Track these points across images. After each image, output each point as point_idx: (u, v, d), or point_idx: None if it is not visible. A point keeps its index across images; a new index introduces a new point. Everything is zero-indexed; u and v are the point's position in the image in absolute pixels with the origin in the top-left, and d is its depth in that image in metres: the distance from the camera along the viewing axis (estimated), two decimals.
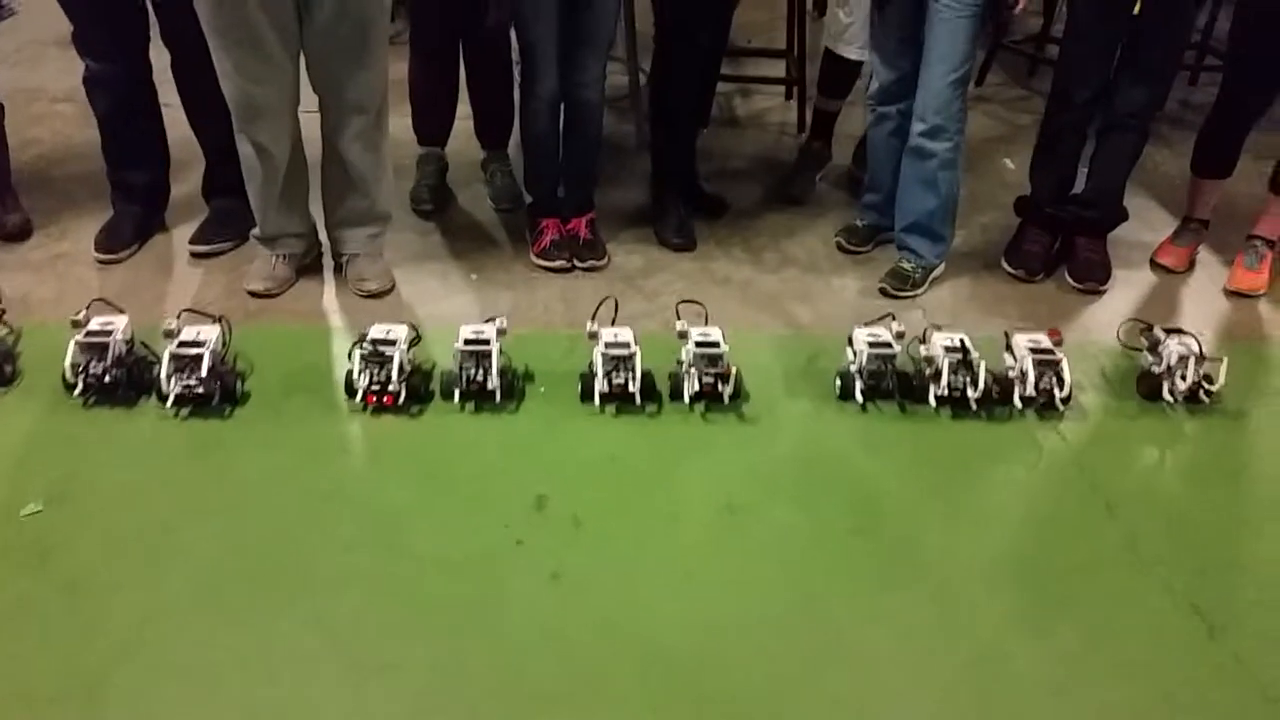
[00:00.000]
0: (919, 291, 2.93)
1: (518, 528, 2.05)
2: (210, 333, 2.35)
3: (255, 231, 2.83)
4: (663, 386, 2.44)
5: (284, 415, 2.36)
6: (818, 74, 3.52)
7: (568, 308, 2.81)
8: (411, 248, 3.06)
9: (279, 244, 2.82)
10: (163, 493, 2.12)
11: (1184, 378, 2.43)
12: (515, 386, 2.42)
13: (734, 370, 2.38)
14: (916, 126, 2.83)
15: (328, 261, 2.94)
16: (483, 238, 3.17)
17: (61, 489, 2.10)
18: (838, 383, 2.46)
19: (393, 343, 2.36)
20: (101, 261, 2.90)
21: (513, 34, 3.24)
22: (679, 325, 2.43)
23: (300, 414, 2.36)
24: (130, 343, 2.40)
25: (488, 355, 2.34)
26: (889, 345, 2.43)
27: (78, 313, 2.35)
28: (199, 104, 2.85)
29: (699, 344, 2.40)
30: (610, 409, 2.39)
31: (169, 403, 2.28)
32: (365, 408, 2.35)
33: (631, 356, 2.39)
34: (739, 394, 2.42)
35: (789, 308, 2.87)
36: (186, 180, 3.10)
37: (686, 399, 2.39)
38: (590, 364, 2.43)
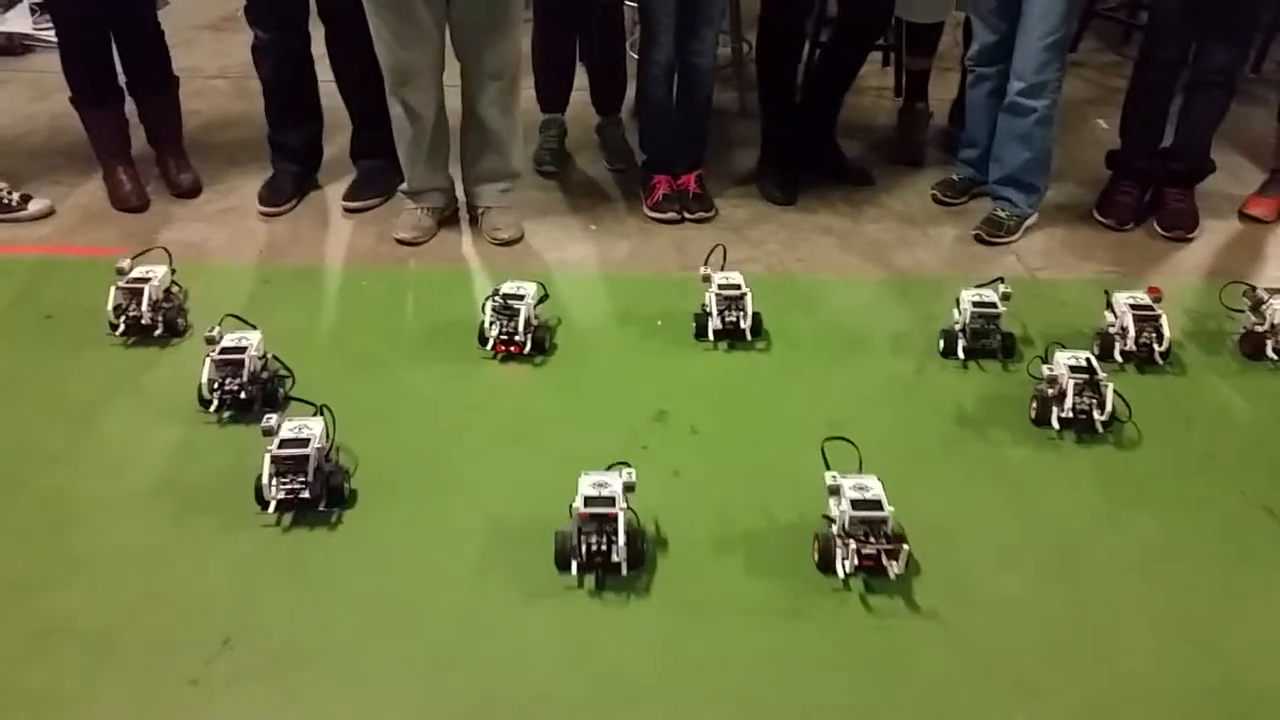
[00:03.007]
0: (1013, 238, 3.08)
1: (643, 435, 2.29)
2: (315, 426, 2.07)
3: (403, 186, 3.12)
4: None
5: (432, 347, 2.59)
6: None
7: (679, 253, 3.04)
8: (536, 203, 3.33)
9: (424, 197, 3.12)
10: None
11: None
12: (645, 552, 1.96)
13: (906, 548, 1.86)
14: (1015, 85, 2.98)
15: (464, 215, 3.23)
16: (599, 194, 3.43)
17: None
18: (941, 342, 2.55)
19: (521, 297, 2.52)
20: (265, 214, 3.22)
21: (627, 9, 3.50)
22: (829, 478, 1.92)
23: (444, 346, 2.59)
24: (264, 358, 2.37)
25: (613, 520, 1.88)
26: (994, 305, 2.48)
27: (211, 329, 2.33)
28: (350, 75, 3.16)
29: (856, 503, 1.87)
30: (723, 345, 2.60)
31: (271, 508, 2.03)
32: (494, 356, 2.53)
33: (743, 296, 2.58)
34: (909, 566, 1.90)
35: (888, 255, 3.06)
36: (334, 144, 3.41)
37: (841, 573, 1.89)
38: (704, 305, 2.62)
